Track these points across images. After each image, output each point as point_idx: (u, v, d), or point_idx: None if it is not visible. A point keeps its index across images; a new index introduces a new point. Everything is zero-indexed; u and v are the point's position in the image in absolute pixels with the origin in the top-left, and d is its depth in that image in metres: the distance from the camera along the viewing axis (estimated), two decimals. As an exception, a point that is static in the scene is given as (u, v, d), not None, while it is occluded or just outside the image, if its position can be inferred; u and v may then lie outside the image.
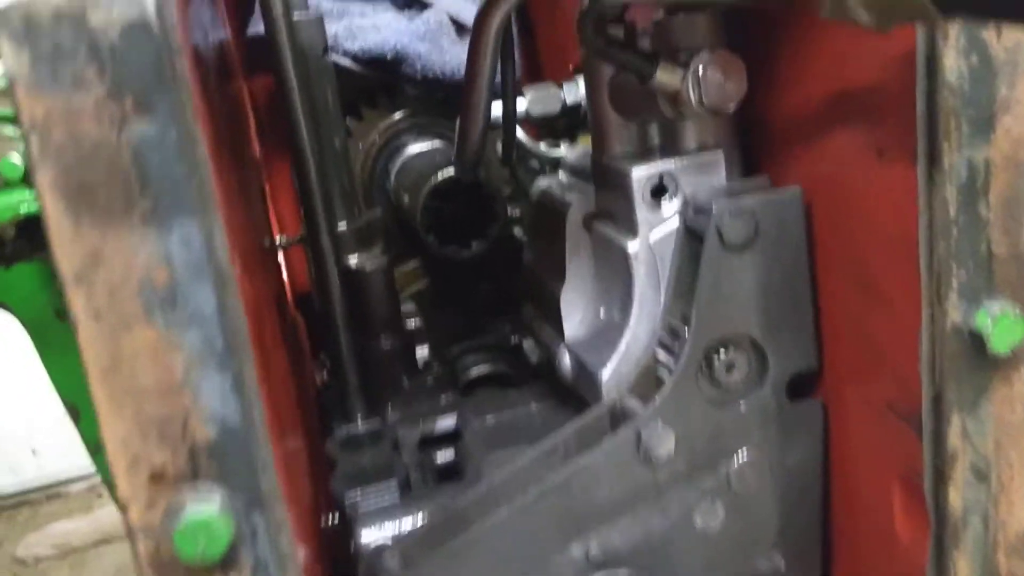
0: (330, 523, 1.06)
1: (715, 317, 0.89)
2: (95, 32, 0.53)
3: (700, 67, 0.82)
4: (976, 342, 0.75)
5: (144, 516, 0.63)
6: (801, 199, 0.87)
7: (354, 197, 1.19)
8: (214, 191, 0.58)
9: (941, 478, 0.79)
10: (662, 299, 0.95)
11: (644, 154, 0.98)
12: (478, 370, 1.48)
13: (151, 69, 0.54)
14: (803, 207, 0.87)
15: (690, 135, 0.93)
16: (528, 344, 1.47)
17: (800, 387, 0.93)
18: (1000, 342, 0.74)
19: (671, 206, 0.93)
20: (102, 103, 0.55)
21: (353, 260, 1.16)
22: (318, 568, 1.00)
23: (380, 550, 0.93)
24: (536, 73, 1.69)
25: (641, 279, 0.95)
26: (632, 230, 0.94)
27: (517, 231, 1.47)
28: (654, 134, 0.98)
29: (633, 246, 0.94)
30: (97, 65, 0.54)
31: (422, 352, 1.31)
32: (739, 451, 0.93)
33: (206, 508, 0.62)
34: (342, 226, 1.15)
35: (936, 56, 0.68)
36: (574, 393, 1.07)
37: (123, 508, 0.62)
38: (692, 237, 0.92)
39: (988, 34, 0.67)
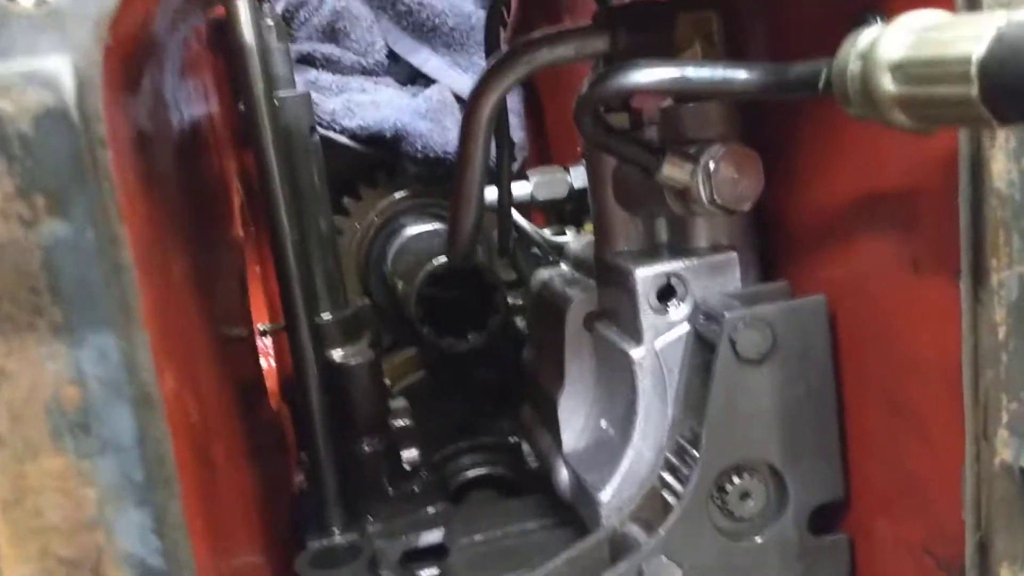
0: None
1: (728, 439, 0.79)
2: (3, 120, 0.46)
3: (711, 162, 0.74)
4: (1031, 486, 0.64)
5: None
6: (825, 309, 0.77)
7: (340, 285, 1.11)
8: (139, 299, 0.50)
9: (989, 641, 0.68)
10: (670, 412, 0.85)
11: (651, 252, 0.90)
12: (473, 472, 1.38)
13: (68, 163, 0.47)
14: (827, 318, 0.78)
15: (701, 233, 0.85)
16: (527, 447, 1.37)
17: (824, 520, 0.83)
18: (1061, 488, 0.63)
19: (680, 311, 0.84)
20: (10, 199, 0.47)
21: (336, 354, 1.08)
22: None
23: None
24: (544, 155, 1.63)
25: (646, 390, 0.85)
26: (636, 336, 0.85)
27: (519, 321, 1.38)
28: (662, 230, 0.90)
29: (637, 353, 0.85)
30: (5, 158, 0.47)
31: (411, 455, 1.21)
32: (755, 591, 0.82)
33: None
34: (325, 316, 1.07)
35: (982, 159, 0.59)
36: (575, 511, 0.97)
37: None
38: (703, 346, 0.83)
39: (1041, 136, 0.59)
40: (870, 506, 0.80)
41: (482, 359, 1.49)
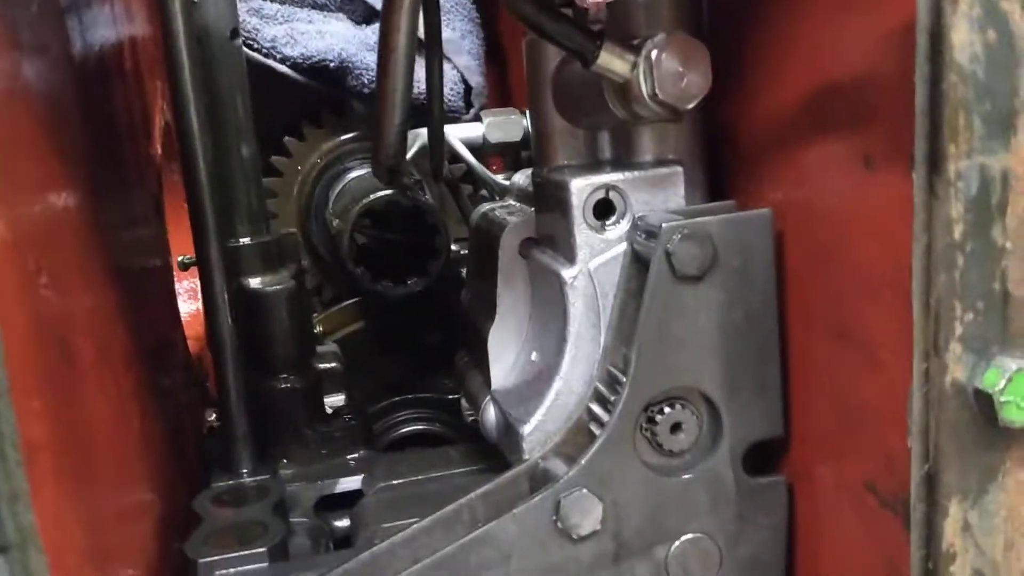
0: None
1: (660, 364, 0.72)
2: None
3: (654, 52, 0.67)
4: (984, 407, 0.58)
5: None
6: (771, 224, 0.71)
7: (262, 212, 1.03)
8: None
9: (932, 584, 0.61)
10: (602, 340, 0.78)
11: (591, 167, 0.83)
12: (406, 428, 1.30)
13: None
14: (773, 234, 0.71)
15: (645, 145, 0.78)
16: (465, 403, 1.29)
17: (761, 460, 0.76)
18: (1016, 409, 0.57)
19: (617, 229, 0.77)
20: None
21: (253, 282, 1.00)
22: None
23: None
24: (506, 103, 1.56)
25: (578, 315, 0.78)
26: (570, 255, 0.78)
27: (463, 272, 1.31)
28: (605, 146, 0.83)
29: (570, 273, 0.78)
30: None
31: (335, 399, 1.14)
32: (682, 534, 0.75)
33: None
34: (243, 240, 0.99)
35: (942, 29, 0.53)
36: (502, 456, 0.90)
37: None
38: (640, 267, 0.76)
39: (1009, 4, 0.53)
40: (809, 445, 0.73)
41: (424, 315, 1.42)
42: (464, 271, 1.35)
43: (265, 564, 0.82)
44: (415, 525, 0.78)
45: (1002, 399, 0.57)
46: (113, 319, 0.77)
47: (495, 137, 1.25)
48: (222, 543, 0.84)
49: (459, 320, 1.11)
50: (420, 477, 0.97)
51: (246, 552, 0.81)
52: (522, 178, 1.07)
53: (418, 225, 1.22)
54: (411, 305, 1.38)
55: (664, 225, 0.70)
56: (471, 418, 1.23)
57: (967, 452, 0.59)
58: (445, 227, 1.22)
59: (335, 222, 1.24)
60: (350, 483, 1.01)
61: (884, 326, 0.62)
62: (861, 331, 0.64)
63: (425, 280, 1.24)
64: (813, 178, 0.68)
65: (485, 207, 1.05)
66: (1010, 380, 0.57)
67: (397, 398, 1.31)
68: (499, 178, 1.23)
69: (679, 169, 0.77)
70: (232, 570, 0.80)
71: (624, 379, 0.74)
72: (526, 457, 0.80)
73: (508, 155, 1.33)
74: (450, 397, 1.31)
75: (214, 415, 1.14)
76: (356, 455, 1.05)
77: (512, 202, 1.05)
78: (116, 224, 0.83)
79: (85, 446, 0.64)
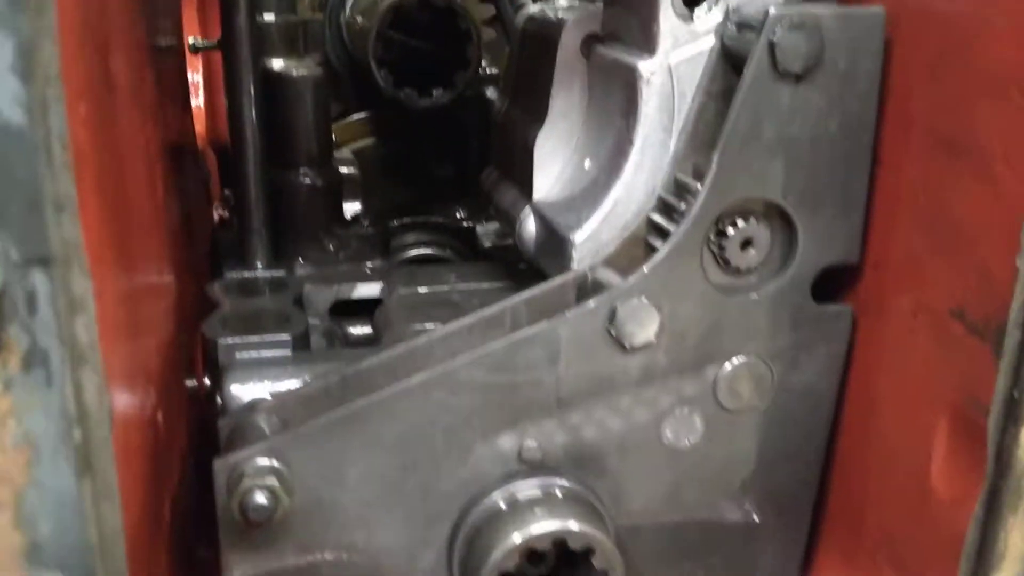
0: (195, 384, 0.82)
1: (742, 170, 0.67)
2: None
3: None
4: (1111, 228, 0.54)
5: None
6: (883, 23, 0.64)
7: (289, -11, 0.93)
8: None
9: (1014, 414, 0.59)
10: (672, 145, 0.73)
11: (682, -49, 0.74)
12: (416, 251, 1.25)
13: None
14: (884, 35, 0.65)
15: (747, -71, 0.70)
16: (483, 228, 1.24)
17: (829, 285, 0.72)
18: None
19: (708, 18, 0.70)
20: None
21: (277, 64, 0.91)
22: (175, 422, 0.76)
23: (252, 406, 0.70)
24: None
25: (650, 114, 0.72)
26: (649, 46, 0.71)
27: (491, 93, 1.23)
28: (698, -71, 0.75)
29: (647, 67, 0.71)
30: None
31: (353, 206, 1.07)
32: (736, 355, 0.72)
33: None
34: (268, 17, 0.90)
35: None
36: (536, 278, 0.85)
37: None
38: (729, 66, 0.69)
39: None
40: (888, 274, 0.69)
41: (443, 136, 1.34)
42: (488, 91, 1.27)
43: (288, 351, 0.77)
44: (455, 323, 0.73)
45: None
46: (140, 74, 0.69)
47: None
48: (242, 327, 0.79)
49: (492, 133, 1.04)
50: (444, 287, 0.92)
51: (270, 338, 0.77)
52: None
53: (448, 31, 1.13)
54: (428, 125, 1.30)
55: (771, 11, 0.63)
56: (489, 244, 1.18)
57: (1082, 276, 0.55)
58: (478, 35, 1.13)
59: (359, 18, 1.14)
60: (368, 289, 0.96)
61: (1006, 133, 0.57)
62: (976, 140, 0.59)
63: (451, 93, 1.16)
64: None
65: (532, 8, 0.96)
66: None
67: (408, 219, 1.25)
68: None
69: (784, -42, 0.69)
70: (255, 354, 0.76)
71: (697, 186, 0.69)
72: (575, 266, 0.75)
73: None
74: (464, 225, 1.25)
75: (222, 210, 1.07)
76: (374, 263, 1.00)
77: (564, 2, 0.96)
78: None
79: (119, 183, 0.57)
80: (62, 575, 0.48)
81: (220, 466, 0.64)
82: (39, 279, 0.42)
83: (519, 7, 1.11)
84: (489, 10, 1.24)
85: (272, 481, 0.63)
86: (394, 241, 1.25)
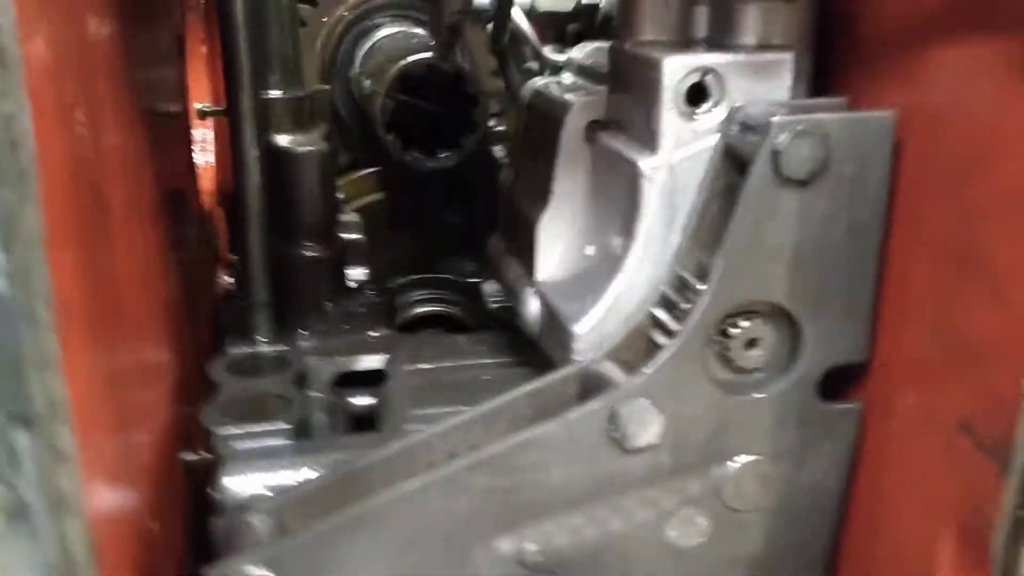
0: (195, 458, 0.81)
1: (745, 272, 0.66)
2: None
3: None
4: (1125, 358, 0.52)
5: None
6: (892, 128, 0.63)
7: (295, 64, 0.93)
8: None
9: (1020, 534, 0.57)
10: (674, 241, 0.72)
11: (684, 44, 0.74)
12: (422, 308, 1.24)
13: None
14: (893, 140, 0.63)
15: (749, 24, 0.69)
16: (489, 287, 1.23)
17: (836, 384, 0.71)
18: None
19: (710, 118, 0.69)
20: None
21: (283, 140, 0.91)
22: (170, 514, 0.76)
23: (247, 506, 0.69)
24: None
25: (652, 210, 0.71)
26: (651, 143, 0.70)
27: (499, 151, 1.22)
28: (701, 22, 0.74)
29: (649, 164, 0.70)
30: None
31: (358, 272, 1.07)
32: (741, 454, 0.70)
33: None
34: (274, 93, 0.90)
35: None
36: (541, 353, 0.84)
37: None
38: (732, 165, 0.68)
39: None
40: (897, 374, 0.68)
41: (448, 193, 1.34)
42: (495, 149, 1.27)
43: (288, 441, 0.77)
44: (455, 419, 0.72)
45: None
46: (140, 165, 0.68)
47: (545, 5, 1.13)
48: (241, 414, 0.78)
49: (497, 202, 1.03)
50: (449, 364, 0.92)
51: (269, 427, 0.76)
52: (582, 53, 0.98)
53: (455, 94, 1.13)
54: (435, 181, 1.30)
55: (775, 120, 0.62)
56: (494, 304, 1.17)
57: (1093, 402, 0.54)
58: (485, 98, 1.13)
59: (366, 82, 1.14)
60: (372, 361, 0.95)
61: (1018, 255, 0.56)
62: (989, 259, 0.58)
63: (458, 154, 1.15)
64: (954, 81, 0.60)
65: (539, 82, 0.96)
66: None
67: (414, 276, 1.24)
68: (545, 49, 1.13)
69: (787, 56, 0.68)
70: (253, 444, 0.75)
71: (697, 286, 0.67)
72: (578, 358, 0.74)
73: (552, 27, 1.22)
74: (471, 280, 1.24)
75: (228, 278, 1.07)
76: (378, 333, 0.99)
77: (570, 77, 0.96)
78: (143, 60, 0.74)
79: (113, 304, 0.57)
80: None
81: (213, 575, 0.63)
82: (21, 437, 0.42)
83: (525, 72, 1.10)
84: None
85: (267, 589, 0.63)
86: (399, 298, 1.25)
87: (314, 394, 0.92)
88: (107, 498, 0.53)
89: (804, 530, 0.73)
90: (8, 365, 0.40)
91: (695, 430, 0.69)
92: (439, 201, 1.33)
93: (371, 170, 1.31)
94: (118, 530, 0.56)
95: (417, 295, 1.25)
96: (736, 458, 0.70)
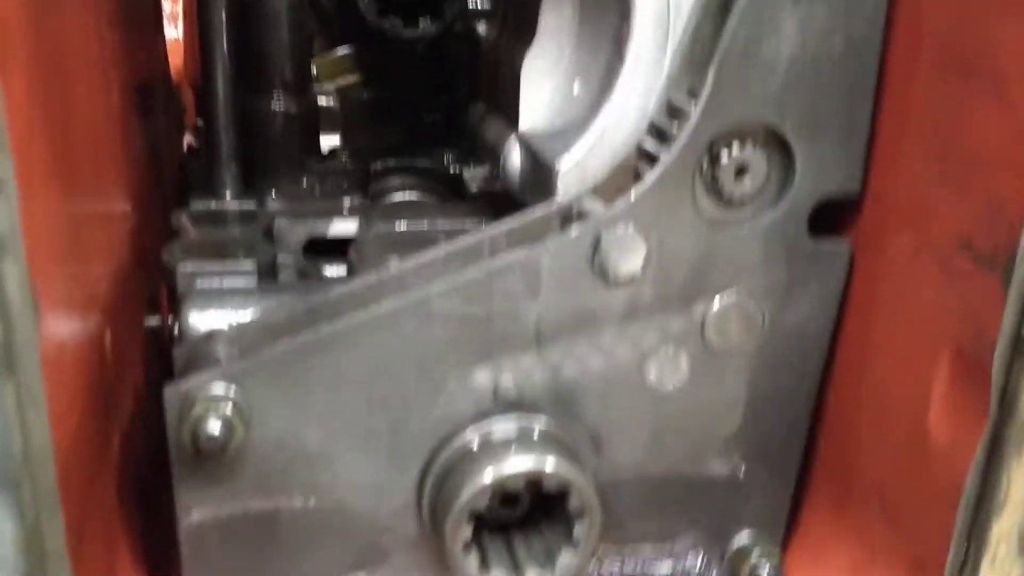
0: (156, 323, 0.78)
1: (739, 90, 0.62)
2: None
3: None
4: None
5: None
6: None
7: None
8: None
9: (1022, 349, 0.55)
10: (666, 66, 0.68)
11: None
12: (401, 196, 1.20)
13: None
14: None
15: None
16: (471, 172, 1.19)
17: (826, 219, 0.68)
18: None
19: (707, -72, 0.65)
20: None
21: (252, -21, 0.86)
22: (132, 362, 0.72)
23: (210, 335, 0.66)
24: None
25: (643, 31, 0.67)
26: (644, -41, 0.66)
27: (482, 28, 1.17)
28: None
29: (640, -19, 0.66)
30: None
31: (331, 140, 1.02)
32: (726, 291, 0.67)
33: None
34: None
35: None
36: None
37: None
38: (728, -22, 0.64)
39: None
40: (891, 205, 0.65)
41: (431, 73, 1.28)
42: (479, 26, 1.22)
43: (252, 281, 0.73)
44: (429, 253, 0.69)
45: None
46: (106, 36, 0.64)
47: None
48: (204, 254, 0.74)
49: (480, 64, 0.98)
50: (424, 226, 0.88)
51: (232, 266, 0.72)
52: None
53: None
54: (415, 66, 1.25)
55: (776, -86, 0.58)
56: (477, 188, 1.13)
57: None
58: (469, -39, 1.07)
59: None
60: (345, 227, 0.91)
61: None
62: (994, 59, 0.55)
63: (438, 23, 1.10)
64: None
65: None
66: None
67: (392, 162, 1.20)
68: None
69: None
70: (217, 282, 0.71)
71: (690, 108, 0.64)
72: (559, 196, 0.71)
73: None
74: (452, 171, 1.20)
75: (192, 139, 1.02)
76: (351, 200, 0.95)
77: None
78: None
79: (71, 148, 0.53)
80: (-15, 493, 0.44)
81: (171, 393, 0.60)
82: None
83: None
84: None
85: (227, 410, 0.59)
86: (375, 185, 1.20)
87: (283, 258, 0.88)
88: (60, 287, 0.50)
89: (788, 376, 0.71)
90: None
91: (679, 263, 0.66)
92: (420, 88, 1.28)
93: (347, 51, 1.25)
94: (68, 324, 0.53)
95: (394, 182, 1.20)
96: (720, 295, 0.67)
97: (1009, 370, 0.55)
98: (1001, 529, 0.59)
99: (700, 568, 0.75)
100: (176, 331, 0.70)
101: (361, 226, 0.92)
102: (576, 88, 0.76)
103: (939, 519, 0.60)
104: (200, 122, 1.05)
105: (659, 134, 0.67)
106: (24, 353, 0.42)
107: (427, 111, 1.34)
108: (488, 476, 0.64)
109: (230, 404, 0.60)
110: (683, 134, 0.63)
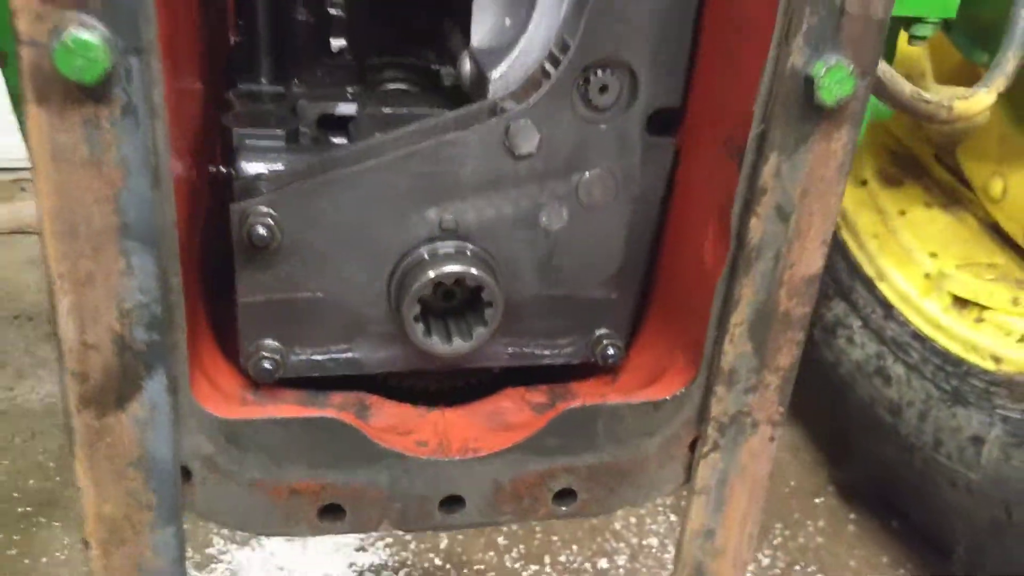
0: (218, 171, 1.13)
1: (601, 36, 0.96)
2: None
3: None
4: (808, 88, 0.84)
5: (31, 27, 0.69)
6: None
7: None
8: None
9: (748, 209, 0.91)
10: (563, 12, 1.01)
11: None
12: (392, 85, 1.53)
13: None
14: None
15: None
16: (445, 70, 1.52)
17: (660, 124, 1.03)
18: (828, 92, 0.83)
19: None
20: None
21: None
22: (204, 192, 1.08)
23: (256, 175, 1.02)
24: None
25: (547, -13, 1.00)
26: (545, -75, 0.98)
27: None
28: None
29: (545, -50, 0.99)
30: None
31: (339, 42, 1.35)
32: (592, 168, 1.03)
33: (87, 34, 0.69)
34: None
35: None
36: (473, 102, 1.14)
37: (13, 14, 0.68)
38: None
39: None
40: (698, 115, 1.00)
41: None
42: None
43: (282, 143, 1.08)
44: (402, 129, 1.04)
45: (820, 83, 0.83)
46: None
47: None
48: (250, 123, 1.10)
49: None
50: (405, 111, 1.22)
51: (268, 131, 1.08)
52: None
53: None
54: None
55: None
56: (448, 83, 1.47)
57: (790, 119, 0.86)
58: None
59: None
60: (348, 108, 1.25)
61: (763, 18, 0.86)
62: (750, 22, 0.88)
63: (427, -44, 1.41)
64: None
65: None
66: (829, 71, 0.82)
67: (386, 58, 1.52)
68: None
69: None
70: (259, 142, 1.07)
71: (572, 44, 0.98)
72: (490, 96, 1.05)
73: None
74: (432, 67, 1.52)
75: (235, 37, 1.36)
76: (353, 89, 1.29)
77: None
78: None
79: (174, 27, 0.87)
80: (141, 245, 0.81)
81: (234, 209, 0.96)
82: (134, 61, 0.73)
83: None
84: None
85: (269, 220, 0.96)
86: (371, 76, 1.53)
87: (303, 127, 1.23)
88: (177, 130, 0.85)
89: (634, 227, 1.07)
90: (128, 14, 0.71)
91: (561, 147, 1.01)
92: (410, 5, 1.59)
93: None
94: (181, 153, 0.89)
95: (387, 74, 1.53)
96: (589, 170, 1.03)
97: (741, 221, 0.91)
98: (737, 318, 0.97)
99: (570, 350, 1.13)
100: (232, 174, 1.06)
101: (359, 108, 1.27)
102: (507, 22, 1.10)
103: (705, 314, 0.98)
104: (241, 24, 1.38)
105: (553, 60, 1.01)
106: (163, 174, 0.78)
107: (415, 20, 1.66)
108: (432, 273, 1.01)
109: (270, 217, 0.97)
110: (566, 61, 0.97)
